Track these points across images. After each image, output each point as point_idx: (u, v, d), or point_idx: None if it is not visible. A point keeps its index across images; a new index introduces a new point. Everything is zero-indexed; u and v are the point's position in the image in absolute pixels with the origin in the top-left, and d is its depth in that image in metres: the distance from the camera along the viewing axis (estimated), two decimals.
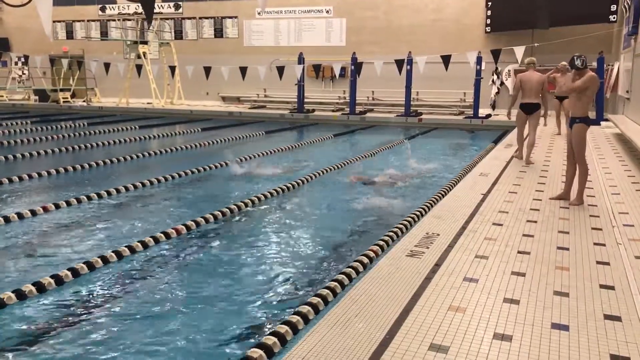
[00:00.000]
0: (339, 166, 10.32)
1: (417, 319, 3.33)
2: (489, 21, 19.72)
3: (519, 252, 4.65)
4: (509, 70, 19.39)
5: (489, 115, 18.48)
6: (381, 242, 5.52)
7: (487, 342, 3.09)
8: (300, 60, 19.06)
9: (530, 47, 16.92)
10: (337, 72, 19.07)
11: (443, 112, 19.83)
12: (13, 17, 25.59)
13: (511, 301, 3.64)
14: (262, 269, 5.13)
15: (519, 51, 15.87)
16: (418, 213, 6.66)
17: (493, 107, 19.63)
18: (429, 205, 7.04)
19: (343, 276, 4.62)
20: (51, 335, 3.82)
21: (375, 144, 13.42)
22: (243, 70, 18.59)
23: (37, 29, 25.18)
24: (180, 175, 9.34)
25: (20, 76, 24.92)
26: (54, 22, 24.66)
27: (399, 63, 17.56)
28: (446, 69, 16.99)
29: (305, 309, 3.98)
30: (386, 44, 20.90)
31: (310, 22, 22.27)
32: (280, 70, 18.50)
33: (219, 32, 23.69)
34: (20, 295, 4.37)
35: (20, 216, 6.68)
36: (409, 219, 6.40)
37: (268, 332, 3.67)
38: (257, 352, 3.37)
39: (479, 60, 17.28)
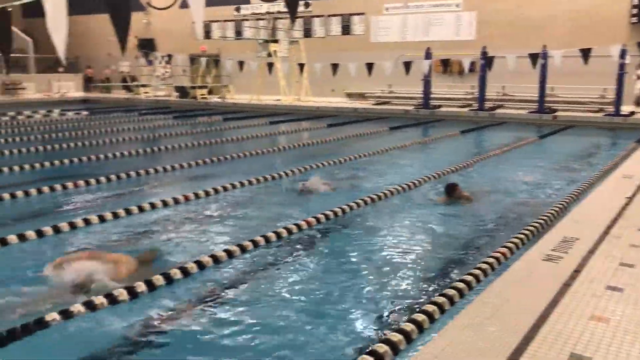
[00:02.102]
0: (471, 162, 10.04)
1: (555, 326, 3.16)
2: (635, 11, 18.15)
3: None
4: None
5: (632, 113, 17.02)
6: (511, 245, 5.31)
7: (635, 357, 2.87)
8: (428, 55, 18.76)
9: None
10: (466, 66, 18.55)
11: (580, 109, 18.57)
12: (159, 19, 27.63)
13: None
14: (382, 265, 5.12)
15: None
16: (550, 215, 6.31)
17: (637, 103, 18.07)
18: (562, 206, 6.65)
19: (471, 277, 4.51)
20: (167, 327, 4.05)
21: (507, 141, 12.89)
22: (369, 66, 18.65)
23: (179, 30, 27.07)
24: (306, 169, 9.57)
25: (164, 74, 26.91)
26: (193, 23, 26.31)
27: (533, 57, 16.70)
28: (585, 62, 15.90)
29: (431, 308, 3.94)
30: (519, 37, 19.96)
31: (439, 17, 21.85)
32: (407, 65, 18.34)
33: (346, 29, 23.98)
34: (150, 285, 4.50)
35: (164, 204, 7.20)
36: (541, 220, 6.08)
37: (393, 330, 3.68)
38: (382, 347, 3.39)
39: (623, 54, 15.97)
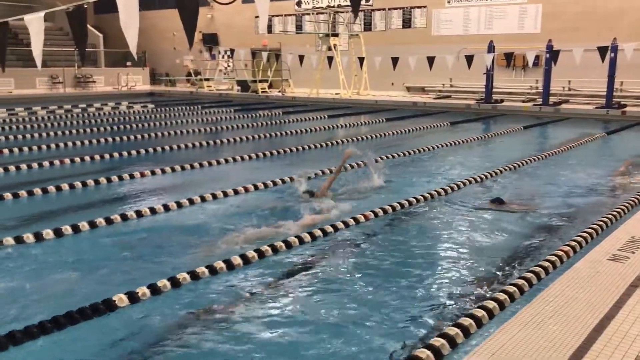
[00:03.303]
0: (537, 158, 9.79)
1: (621, 328, 3.08)
2: None
3: None
4: None
5: None
6: (574, 243, 5.17)
7: None
8: (490, 48, 18.34)
9: None
10: (530, 60, 18.02)
11: None
12: (222, 14, 28.18)
13: None
14: (438, 262, 5.10)
15: None
16: (616, 213, 6.09)
17: None
18: (629, 204, 6.41)
19: (531, 274, 4.42)
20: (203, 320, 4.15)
21: (572, 137, 12.48)
22: (430, 60, 18.42)
23: (241, 24, 27.53)
24: (365, 164, 9.56)
25: (226, 68, 27.45)
26: (255, 17, 26.71)
27: (602, 50, 16.05)
28: None
29: (490, 304, 3.91)
30: (587, 30, 19.20)
31: (502, 9, 21.31)
32: (469, 59, 17.99)
33: (407, 23, 23.73)
34: (194, 276, 4.58)
35: (224, 195, 7.38)
36: (606, 219, 5.88)
37: (450, 324, 3.67)
38: (439, 341, 3.39)
39: None
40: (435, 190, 7.45)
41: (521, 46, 19.47)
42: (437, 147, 11.22)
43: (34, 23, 6.17)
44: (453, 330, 3.48)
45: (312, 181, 7.91)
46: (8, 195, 7.13)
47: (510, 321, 3.17)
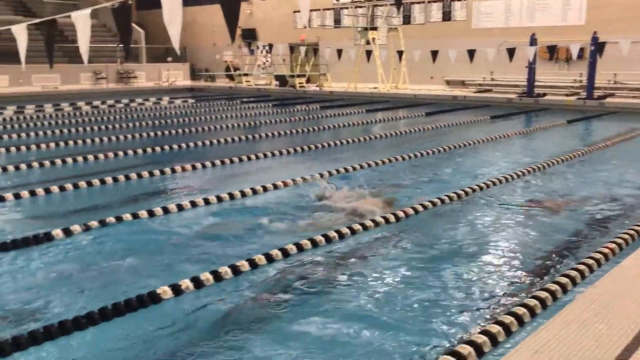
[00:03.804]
0: (581, 153, 9.56)
1: None
2: None
3: None
4: None
5: None
6: (620, 240, 5.03)
7: None
8: (532, 41, 17.95)
9: None
10: (574, 53, 17.55)
11: None
12: (260, 9, 28.36)
13: None
14: (477, 258, 5.03)
15: None
16: None
17: None
18: None
19: (576, 273, 4.33)
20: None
21: (618, 131, 12.13)
22: (471, 53, 18.14)
23: (279, 19, 27.63)
24: (404, 159, 9.51)
25: (265, 63, 27.63)
26: (294, 12, 26.80)
27: None
28: None
29: (532, 302, 3.85)
30: (635, 21, 18.59)
31: (545, 1, 20.81)
32: (511, 52, 17.64)
33: (446, 15, 23.43)
34: (235, 270, 4.61)
35: (264, 189, 7.44)
36: None
37: (492, 321, 3.63)
38: (481, 338, 3.36)
39: None
40: (478, 185, 7.35)
41: (564, 38, 18.99)
42: (477, 141, 11.06)
43: (81, 20, 6.35)
44: (495, 328, 3.44)
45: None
46: (55, 188, 7.35)
47: (553, 319, 3.12)
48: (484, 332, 3.43)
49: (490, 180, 7.59)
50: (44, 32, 7.41)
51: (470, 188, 7.20)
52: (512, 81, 20.71)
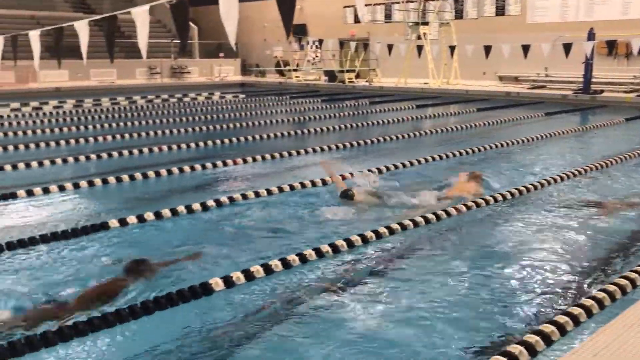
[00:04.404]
0: (636, 154, 9.23)
1: None
2: None
3: None
4: None
5: None
6: None
7: None
8: (590, 36, 17.37)
9: None
10: (634, 48, 16.88)
11: None
12: (311, 4, 28.43)
13: None
14: (532, 257, 4.93)
15: None
16: None
17: None
18: None
19: (635, 275, 4.20)
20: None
21: None
22: (525, 48, 17.70)
23: (330, 14, 27.65)
24: (454, 155, 9.39)
25: (314, 58, 27.71)
26: (344, 7, 26.78)
27: None
28: None
29: (588, 302, 3.76)
30: None
31: None
32: (567, 47, 17.12)
33: (500, 10, 22.94)
34: (267, 269, 4.60)
35: (312, 184, 7.49)
36: None
37: (546, 321, 3.56)
38: (533, 338, 3.31)
39: None
40: (532, 184, 7.19)
41: (625, 33, 18.30)
42: (531, 139, 10.81)
43: (140, 16, 6.55)
44: (548, 328, 3.38)
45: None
46: (112, 180, 7.61)
47: (614, 321, 3.03)
48: (537, 332, 3.37)
49: (545, 180, 7.41)
50: (104, 28, 7.67)
51: (524, 187, 7.05)
52: (568, 77, 20.11)
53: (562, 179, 7.57)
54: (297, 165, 9.14)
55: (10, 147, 10.06)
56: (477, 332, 3.61)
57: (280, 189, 7.11)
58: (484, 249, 5.20)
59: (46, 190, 7.00)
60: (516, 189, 6.94)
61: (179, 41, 26.13)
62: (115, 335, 3.62)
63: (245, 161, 8.97)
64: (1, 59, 9.96)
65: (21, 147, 10.18)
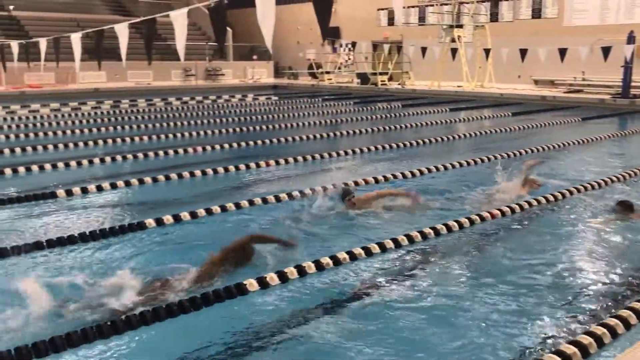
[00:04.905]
0: None
1: None
2: None
3: None
4: None
5: None
6: None
7: None
8: (630, 39, 16.98)
9: None
10: None
11: None
12: (345, 7, 28.46)
13: None
14: (566, 266, 4.86)
15: None
16: None
17: None
18: None
19: None
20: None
21: None
22: (562, 51, 17.41)
23: (363, 17, 27.65)
24: (489, 160, 9.28)
25: (347, 61, 27.73)
26: (378, 9, 26.73)
27: None
28: None
29: (625, 313, 3.71)
30: None
31: None
32: (605, 51, 16.78)
33: (536, 12, 22.61)
34: (319, 266, 4.70)
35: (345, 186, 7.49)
36: None
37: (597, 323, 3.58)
38: (570, 349, 3.28)
39: None
40: (568, 190, 7.07)
41: None
42: (567, 144, 10.64)
43: (179, 19, 6.68)
44: (600, 330, 3.41)
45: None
46: (148, 180, 7.75)
47: None
48: (574, 343, 3.34)
49: (582, 185, 7.28)
50: (143, 31, 7.84)
51: (559, 193, 6.94)
52: (606, 81, 19.68)
53: (599, 185, 7.42)
54: (330, 167, 9.16)
55: (50, 147, 10.33)
56: (510, 340, 3.58)
57: (313, 191, 7.13)
58: (523, 254, 5.14)
59: (84, 190, 7.17)
60: (551, 194, 6.83)
61: (214, 43, 26.52)
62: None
63: (277, 163, 9.04)
64: (44, 60, 10.28)
65: (60, 146, 10.45)
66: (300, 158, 9.38)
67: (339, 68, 27.60)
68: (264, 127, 13.37)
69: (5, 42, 16.58)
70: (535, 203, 6.58)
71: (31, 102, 17.12)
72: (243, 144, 10.81)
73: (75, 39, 10.01)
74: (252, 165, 8.80)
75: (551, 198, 6.77)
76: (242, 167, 8.68)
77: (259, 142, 11.02)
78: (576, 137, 11.14)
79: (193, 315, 3.90)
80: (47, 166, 8.59)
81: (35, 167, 8.48)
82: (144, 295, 4.04)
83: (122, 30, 7.89)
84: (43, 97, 19.01)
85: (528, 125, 13.39)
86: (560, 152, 10.19)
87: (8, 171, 8.28)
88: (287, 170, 8.91)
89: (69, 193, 7.03)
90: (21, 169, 8.35)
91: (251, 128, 13.10)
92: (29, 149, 10.07)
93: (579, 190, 7.12)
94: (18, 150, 9.95)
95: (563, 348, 3.30)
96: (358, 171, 8.76)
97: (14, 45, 13.31)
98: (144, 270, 4.56)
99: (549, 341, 3.54)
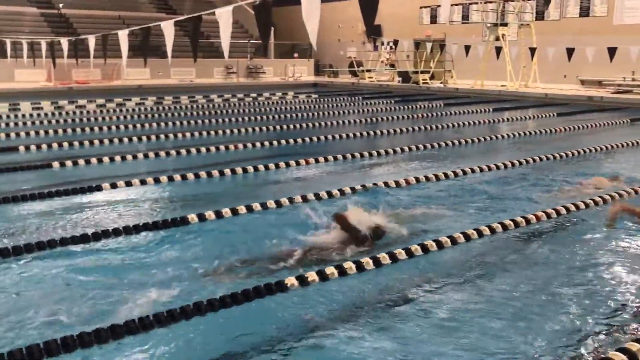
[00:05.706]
0: None
1: None
2: None
3: None
4: None
5: None
6: None
7: None
8: None
9: None
10: None
11: None
12: (387, 4, 28.20)
13: None
14: (605, 273, 4.76)
15: None
16: None
17: None
18: None
19: None
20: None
21: None
22: (611, 51, 16.90)
23: (405, 15, 27.41)
24: (535, 161, 9.07)
25: (387, 59, 27.53)
26: (421, 7, 26.45)
27: None
28: None
29: None
30: None
31: None
32: None
33: (584, 11, 22.00)
34: (360, 267, 4.66)
35: (386, 185, 7.44)
36: None
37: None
38: (618, 356, 3.18)
39: None
40: (616, 193, 6.85)
41: None
42: (614, 146, 10.30)
43: (223, 17, 6.74)
44: (635, 346, 3.25)
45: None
46: (190, 176, 7.86)
47: None
48: (622, 350, 3.24)
49: (633, 189, 7.03)
50: (188, 28, 7.95)
51: (608, 195, 6.73)
52: None
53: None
54: (369, 166, 9.12)
55: (96, 142, 10.58)
56: (544, 348, 3.50)
57: (353, 189, 7.11)
58: (565, 260, 5.02)
59: (129, 184, 7.32)
60: (600, 197, 6.63)
61: (255, 41, 26.74)
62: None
63: (317, 161, 9.04)
64: (92, 57, 10.55)
65: (106, 141, 10.69)
66: (339, 156, 9.35)
67: (387, 65, 27.32)
68: (303, 125, 13.39)
69: (55, 39, 17.09)
70: (582, 206, 6.39)
71: (78, 98, 17.59)
72: (283, 141, 10.85)
73: (123, 36, 10.22)
74: (292, 163, 8.81)
75: (599, 200, 6.57)
76: (282, 165, 8.70)
77: (299, 140, 11.04)
78: (624, 139, 10.78)
79: (233, 310, 3.93)
80: (93, 160, 8.81)
81: (81, 161, 8.71)
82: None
83: (167, 28, 8.02)
84: (89, 93, 19.51)
85: (574, 126, 13.03)
86: (607, 154, 9.89)
87: (56, 164, 8.53)
88: (326, 168, 8.89)
89: (114, 186, 7.19)
90: (68, 163, 8.59)
91: (291, 126, 13.14)
92: (75, 143, 10.35)
93: (628, 194, 6.88)
94: (65, 144, 10.24)
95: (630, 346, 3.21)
96: (397, 169, 8.69)
97: (64, 42, 13.70)
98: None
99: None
